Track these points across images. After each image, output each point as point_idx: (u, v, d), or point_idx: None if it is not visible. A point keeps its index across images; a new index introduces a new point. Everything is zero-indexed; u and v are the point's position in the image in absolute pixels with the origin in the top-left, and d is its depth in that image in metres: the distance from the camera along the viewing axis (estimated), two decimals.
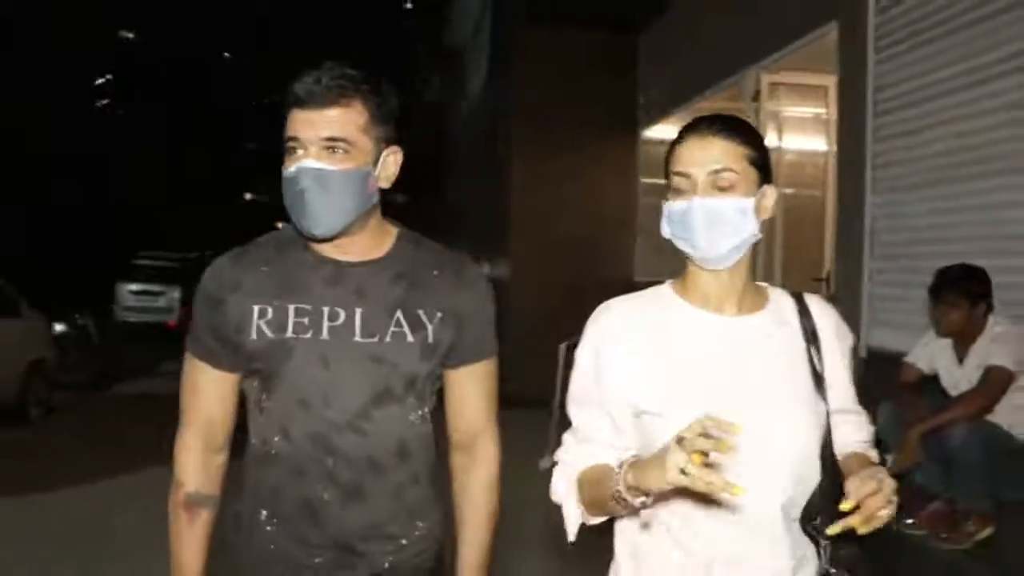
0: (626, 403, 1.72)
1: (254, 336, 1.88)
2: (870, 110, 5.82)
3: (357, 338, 1.88)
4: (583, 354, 1.80)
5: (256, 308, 1.90)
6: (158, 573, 2.25)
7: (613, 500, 1.60)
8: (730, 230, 1.68)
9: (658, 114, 10.32)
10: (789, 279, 6.94)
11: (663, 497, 1.60)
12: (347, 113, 1.84)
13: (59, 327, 11.72)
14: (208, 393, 1.97)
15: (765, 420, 1.66)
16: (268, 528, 1.93)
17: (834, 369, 1.79)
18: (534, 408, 7.24)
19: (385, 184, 1.94)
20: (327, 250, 1.95)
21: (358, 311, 1.89)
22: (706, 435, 1.41)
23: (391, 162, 1.94)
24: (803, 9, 6.61)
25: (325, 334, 1.88)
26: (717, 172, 1.67)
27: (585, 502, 1.73)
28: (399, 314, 1.91)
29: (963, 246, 4.88)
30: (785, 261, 7.44)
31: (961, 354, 4.18)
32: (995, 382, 3.90)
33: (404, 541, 1.95)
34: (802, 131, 7.81)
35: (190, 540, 1.95)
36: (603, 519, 1.74)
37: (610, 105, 10.96)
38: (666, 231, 1.75)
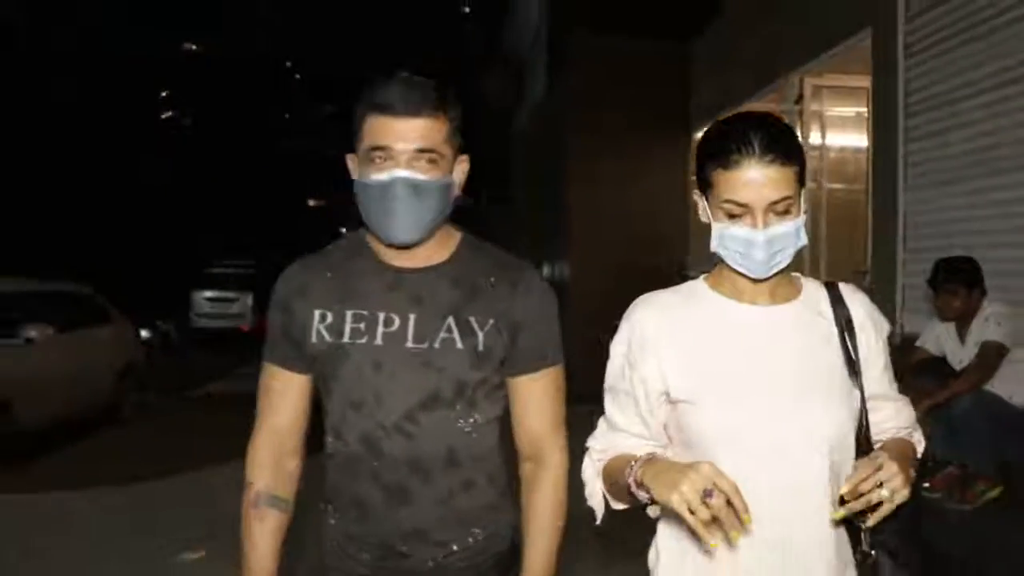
0: (659, 392, 1.76)
1: (314, 340, 1.94)
2: (901, 111, 6.18)
3: (409, 344, 1.91)
4: (617, 345, 1.83)
5: (317, 313, 1.96)
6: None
7: (627, 492, 1.68)
8: (787, 252, 1.71)
9: (708, 116, 10.56)
10: (834, 272, 7.22)
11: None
12: (435, 124, 1.87)
13: (144, 333, 12.48)
14: (280, 397, 2.02)
15: (798, 407, 1.68)
16: (331, 522, 2.01)
17: (868, 356, 1.80)
18: (597, 404, 7.60)
19: (457, 192, 1.99)
20: (391, 256, 1.98)
21: (412, 316, 1.93)
22: (725, 492, 1.47)
23: (461, 171, 1.99)
24: (840, 17, 6.98)
25: (379, 340, 1.92)
26: (776, 203, 1.67)
27: (608, 490, 1.80)
28: (451, 320, 1.93)
29: (989, 238, 5.26)
30: (829, 255, 7.77)
31: (963, 335, 4.69)
32: (989, 356, 4.44)
33: (455, 547, 1.97)
34: (844, 129, 8.14)
35: (260, 540, 1.99)
36: (626, 506, 1.79)
37: (662, 108, 11.39)
38: (716, 246, 1.75)
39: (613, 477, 1.76)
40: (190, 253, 25.28)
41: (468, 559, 1.98)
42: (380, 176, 1.86)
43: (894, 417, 1.85)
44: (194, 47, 36.30)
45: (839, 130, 8.19)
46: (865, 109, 7.65)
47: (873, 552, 1.72)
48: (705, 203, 1.75)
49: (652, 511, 1.79)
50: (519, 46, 19.21)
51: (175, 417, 10.30)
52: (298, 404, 2.03)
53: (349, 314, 1.94)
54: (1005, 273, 4.99)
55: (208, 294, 19.17)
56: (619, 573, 4.82)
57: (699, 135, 10.94)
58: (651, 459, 1.65)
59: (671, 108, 11.49)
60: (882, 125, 6.46)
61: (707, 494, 1.48)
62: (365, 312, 1.94)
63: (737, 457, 1.64)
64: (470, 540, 1.97)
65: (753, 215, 1.67)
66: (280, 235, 32.21)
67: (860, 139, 7.85)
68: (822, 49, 7.38)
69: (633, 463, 1.66)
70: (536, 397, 2.02)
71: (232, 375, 13.22)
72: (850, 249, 7.53)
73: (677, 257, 11.18)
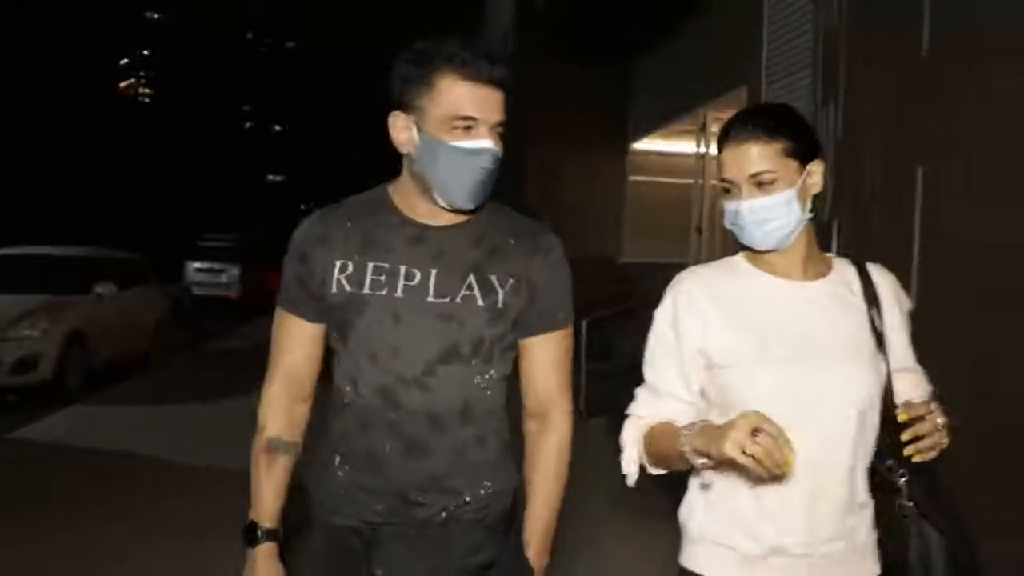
0: (700, 355, 1.86)
1: (334, 289, 1.97)
2: None
3: (430, 298, 1.93)
4: (662, 312, 1.93)
5: (338, 263, 1.98)
6: None
7: (678, 458, 1.76)
8: (778, 223, 1.82)
9: (642, 132, 13.17)
10: None
11: (724, 464, 1.68)
12: (505, 97, 1.93)
13: None
14: (294, 344, 2.07)
15: (831, 374, 1.80)
16: (339, 473, 2.03)
17: (893, 330, 1.91)
18: None
19: None
20: (417, 213, 2.00)
21: (433, 271, 1.95)
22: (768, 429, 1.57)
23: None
24: (724, 74, 9.18)
25: (399, 292, 1.94)
26: (755, 175, 1.80)
27: (652, 454, 1.87)
28: (472, 278, 1.95)
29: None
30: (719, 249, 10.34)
31: None
32: None
33: (468, 497, 1.99)
34: None
35: (267, 482, 2.07)
36: (664, 471, 1.88)
37: (605, 124, 13.70)
38: (728, 224, 1.89)
39: (659, 443, 1.84)
40: (171, 226, 26.50)
41: (476, 511, 2.01)
42: (469, 144, 1.89)
43: (915, 387, 1.92)
44: (156, 16, 35.90)
45: None
46: None
47: (909, 504, 1.82)
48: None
49: (706, 476, 1.88)
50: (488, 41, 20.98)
51: (198, 364, 12.87)
52: (311, 351, 2.08)
53: (370, 265, 1.97)
54: None
55: (198, 265, 21.03)
56: (641, 544, 5.25)
57: (636, 145, 13.77)
58: (704, 424, 1.72)
59: (614, 121, 13.78)
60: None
61: (755, 434, 1.56)
62: (386, 265, 1.96)
63: (773, 414, 1.64)
64: (481, 492, 2.01)
65: (738, 188, 1.82)
66: (240, 210, 32.70)
67: None
68: (714, 96, 9.79)
69: (686, 431, 1.73)
70: (547, 358, 2.06)
71: (233, 334, 15.53)
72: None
73: (614, 248, 13.58)
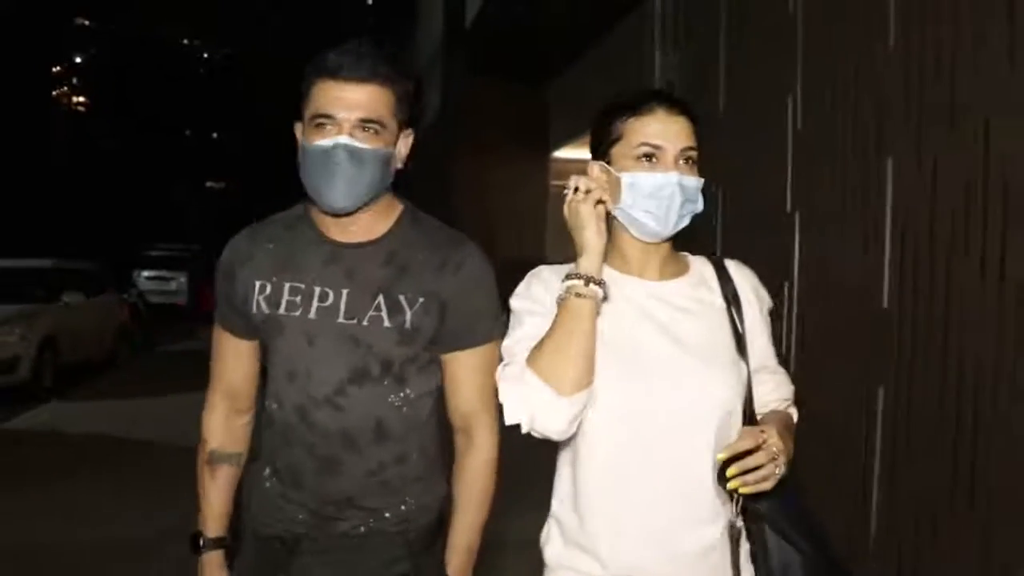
0: None
1: (255, 310, 2.00)
2: None
3: (340, 319, 1.94)
4: (517, 299, 1.89)
5: (258, 283, 2.00)
6: None
7: (563, 326, 1.70)
8: (691, 208, 1.79)
9: (562, 142, 14.06)
10: None
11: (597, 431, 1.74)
12: (381, 93, 1.89)
13: None
14: (230, 359, 2.11)
15: (688, 377, 1.76)
16: (268, 484, 2.07)
17: (753, 329, 1.88)
18: None
19: (400, 165, 1.99)
20: (330, 229, 2.00)
21: (344, 292, 1.96)
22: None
23: (406, 144, 2.00)
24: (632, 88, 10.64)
25: (313, 314, 1.96)
26: (686, 150, 1.76)
27: (545, 364, 1.70)
28: (380, 298, 1.94)
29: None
30: None
31: None
32: None
33: (387, 514, 2.01)
34: None
35: (211, 491, 2.13)
36: (574, 377, 1.69)
37: (528, 134, 14.57)
38: (626, 202, 1.77)
39: (547, 340, 1.72)
40: (112, 236, 27.06)
41: (396, 524, 2.01)
42: (323, 142, 1.86)
43: (775, 390, 1.92)
44: (86, 22, 36.35)
45: None
46: None
47: (740, 523, 1.78)
48: (607, 168, 1.81)
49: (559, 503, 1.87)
50: (420, 62, 21.68)
51: (155, 364, 14.11)
52: (246, 366, 2.12)
53: (287, 286, 1.98)
54: None
55: (147, 273, 22.08)
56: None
57: (557, 153, 14.60)
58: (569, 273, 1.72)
59: (535, 133, 14.62)
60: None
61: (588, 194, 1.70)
62: (302, 285, 1.97)
63: (628, 430, 1.71)
64: (403, 508, 2.02)
65: (666, 158, 1.75)
66: (182, 217, 33.07)
67: None
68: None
69: (563, 293, 1.72)
70: (465, 375, 2.02)
71: (184, 338, 16.49)
72: None
73: (537, 250, 14.32)
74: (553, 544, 1.90)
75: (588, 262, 1.72)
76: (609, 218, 1.82)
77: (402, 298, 1.96)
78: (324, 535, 2.02)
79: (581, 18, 10.70)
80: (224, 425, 2.14)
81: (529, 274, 1.92)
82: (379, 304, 1.95)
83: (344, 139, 1.87)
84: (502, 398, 1.78)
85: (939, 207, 3.47)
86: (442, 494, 2.10)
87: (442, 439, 2.12)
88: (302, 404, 1.97)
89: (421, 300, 1.97)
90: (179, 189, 36.54)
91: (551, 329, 1.73)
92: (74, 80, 36.40)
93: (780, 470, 1.68)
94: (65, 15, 33.03)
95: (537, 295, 1.85)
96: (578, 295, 1.71)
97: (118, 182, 32.01)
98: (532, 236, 14.79)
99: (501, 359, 1.88)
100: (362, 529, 2.01)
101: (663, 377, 1.75)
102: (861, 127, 4.09)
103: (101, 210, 30.24)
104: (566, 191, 1.72)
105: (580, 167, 1.46)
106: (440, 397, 2.09)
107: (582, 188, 1.71)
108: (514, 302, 1.89)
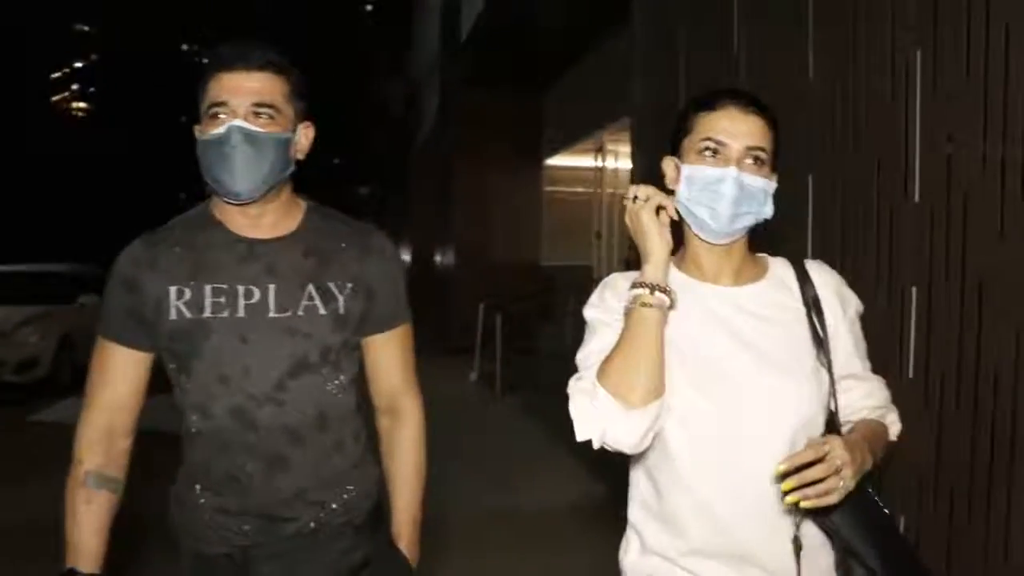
0: None
1: (173, 317, 1.93)
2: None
3: (272, 314, 1.94)
4: (590, 308, 1.85)
5: (173, 289, 1.94)
6: None
7: (630, 332, 1.66)
8: (755, 209, 1.72)
9: (554, 150, 14.81)
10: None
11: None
12: (274, 80, 1.91)
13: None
14: (119, 377, 1.99)
15: (764, 388, 1.69)
16: (201, 501, 2.00)
17: (836, 335, 1.79)
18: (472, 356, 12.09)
19: (300, 156, 2.01)
20: (239, 227, 1.99)
21: (271, 287, 1.96)
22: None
23: (306, 136, 2.01)
24: (616, 103, 9.85)
25: (241, 312, 1.94)
26: (753, 149, 1.69)
27: (613, 376, 1.65)
28: (311, 288, 1.98)
29: None
30: (619, 250, 11.91)
31: None
32: None
33: (334, 505, 2.03)
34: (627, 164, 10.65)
35: (84, 520, 1.94)
36: (644, 389, 1.64)
37: (522, 143, 15.32)
38: (683, 194, 1.74)
39: (615, 353, 1.67)
40: (127, 241, 26.17)
41: (343, 514, 2.04)
42: (218, 129, 1.86)
43: (866, 397, 1.83)
44: (86, 28, 36.10)
45: (625, 162, 11.76)
46: None
47: (803, 540, 1.68)
48: (676, 163, 1.76)
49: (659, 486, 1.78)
50: (419, 68, 22.12)
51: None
52: (136, 382, 2.01)
53: (208, 288, 1.95)
54: None
55: None
56: (549, 497, 5.69)
57: (550, 161, 15.21)
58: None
59: (529, 140, 15.31)
60: (636, 168, 9.28)
61: (658, 212, 1.70)
62: (224, 285, 1.95)
63: (702, 444, 1.67)
64: (345, 496, 2.05)
65: (728, 154, 1.69)
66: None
67: None
68: (607, 123, 11.28)
69: (630, 303, 1.69)
70: (391, 355, 2.12)
71: None
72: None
73: (532, 254, 15.00)
74: (630, 554, 1.88)
75: (652, 270, 1.70)
76: (681, 225, 1.82)
77: (332, 285, 2.02)
78: (274, 539, 2.01)
79: (573, 32, 11.12)
80: (105, 444, 2.01)
81: (602, 282, 1.89)
82: (310, 294, 1.99)
83: (238, 122, 1.88)
84: (572, 413, 1.72)
85: None
86: (377, 476, 2.17)
87: (368, 426, 2.18)
88: (239, 405, 1.95)
89: (350, 286, 2.03)
90: (186, 194, 35.09)
91: (619, 340, 1.69)
92: (73, 86, 36.45)
93: (845, 483, 1.57)
94: (65, 21, 33.18)
95: (610, 304, 1.81)
96: (644, 304, 1.68)
97: (128, 188, 32.09)
98: (527, 239, 15.30)
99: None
100: (312, 525, 2.02)
101: (736, 387, 1.71)
102: None
103: (110, 216, 29.43)
104: (626, 200, 1.74)
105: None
106: (360, 381, 2.13)
107: (641, 196, 1.71)
108: (587, 312, 1.86)
